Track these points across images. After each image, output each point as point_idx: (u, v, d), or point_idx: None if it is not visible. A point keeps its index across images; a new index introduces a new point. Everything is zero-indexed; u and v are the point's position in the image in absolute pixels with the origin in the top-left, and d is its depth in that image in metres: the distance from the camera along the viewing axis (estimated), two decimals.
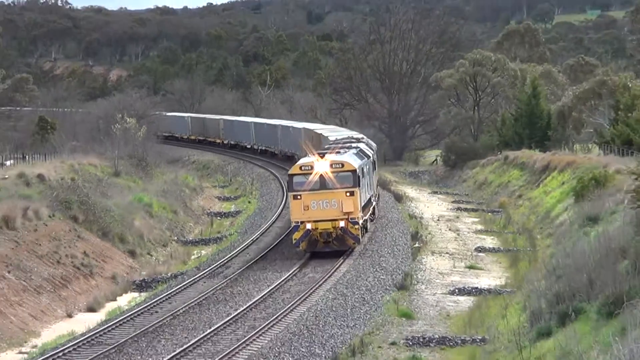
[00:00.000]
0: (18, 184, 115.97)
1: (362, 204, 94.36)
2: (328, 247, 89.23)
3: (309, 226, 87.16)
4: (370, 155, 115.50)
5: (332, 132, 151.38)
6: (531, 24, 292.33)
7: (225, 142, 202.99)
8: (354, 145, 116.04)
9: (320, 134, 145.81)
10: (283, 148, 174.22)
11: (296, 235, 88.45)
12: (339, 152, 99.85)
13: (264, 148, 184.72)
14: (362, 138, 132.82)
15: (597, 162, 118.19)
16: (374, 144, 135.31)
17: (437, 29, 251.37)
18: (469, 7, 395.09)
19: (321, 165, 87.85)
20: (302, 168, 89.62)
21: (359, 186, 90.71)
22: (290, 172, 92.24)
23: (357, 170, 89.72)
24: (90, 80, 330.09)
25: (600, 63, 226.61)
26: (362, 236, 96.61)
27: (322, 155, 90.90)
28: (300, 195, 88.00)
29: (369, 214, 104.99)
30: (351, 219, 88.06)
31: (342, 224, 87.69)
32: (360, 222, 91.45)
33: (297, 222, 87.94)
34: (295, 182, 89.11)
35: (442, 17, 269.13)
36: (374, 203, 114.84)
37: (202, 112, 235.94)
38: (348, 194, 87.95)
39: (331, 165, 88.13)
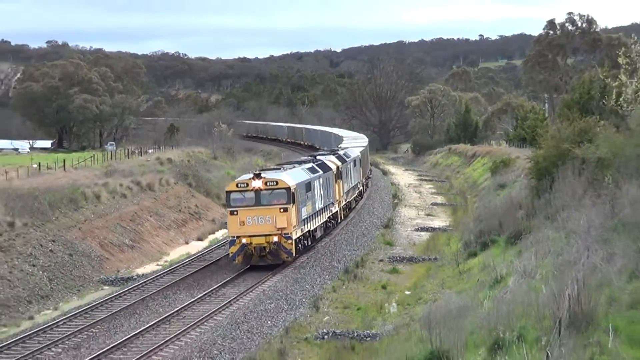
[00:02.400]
0: (156, 164, 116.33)
1: (303, 217, 66.94)
2: (263, 261, 62.81)
3: (244, 241, 61.74)
4: (334, 167, 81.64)
5: (354, 139, 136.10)
6: (465, 68, 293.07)
7: (305, 143, 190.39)
8: (319, 157, 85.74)
9: (344, 138, 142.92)
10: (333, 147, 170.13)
11: (232, 249, 62.67)
12: (278, 170, 71.18)
13: (326, 148, 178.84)
14: (344, 149, 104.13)
15: (505, 151, 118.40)
16: (353, 154, 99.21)
17: (407, 70, 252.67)
18: (428, 57, 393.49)
19: (256, 183, 62.41)
20: (239, 185, 63.63)
21: (294, 202, 63.38)
22: (227, 189, 65.84)
23: (292, 188, 63.04)
24: (198, 101, 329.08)
25: (506, 92, 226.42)
26: (304, 247, 68.68)
27: (257, 175, 64.01)
28: (236, 211, 62.25)
29: (320, 223, 73.96)
30: (285, 234, 61.95)
31: (275, 239, 61.72)
32: (295, 236, 63.88)
33: (234, 237, 62.56)
34: (233, 199, 63.15)
35: (411, 64, 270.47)
36: (336, 209, 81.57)
37: (265, 121, 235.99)
38: (282, 210, 62.10)
39: (265, 183, 62.43)
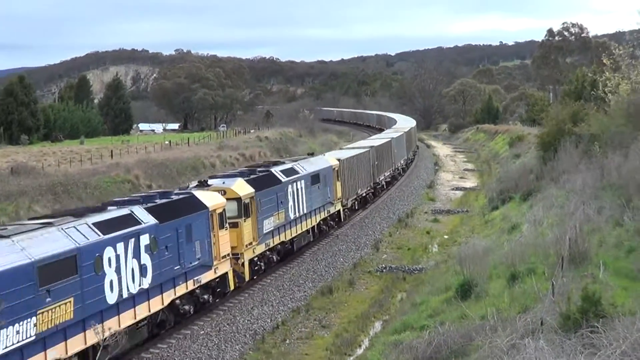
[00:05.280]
0: (256, 141, 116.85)
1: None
2: None
3: None
4: (214, 203, 35.44)
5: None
6: (489, 66, 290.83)
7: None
8: (212, 181, 39.76)
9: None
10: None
11: None
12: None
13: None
14: (298, 160, 52.03)
15: (519, 129, 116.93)
16: (314, 167, 51.11)
17: (445, 69, 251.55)
18: (461, 59, 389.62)
19: None
20: None
21: None
22: None
23: None
24: (288, 94, 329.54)
25: (520, 84, 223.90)
26: None
27: None
28: None
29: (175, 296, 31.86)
30: None
31: None
32: None
33: None
34: None
35: (447, 64, 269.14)
36: (209, 277, 34.89)
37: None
38: None
39: None
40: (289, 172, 46.74)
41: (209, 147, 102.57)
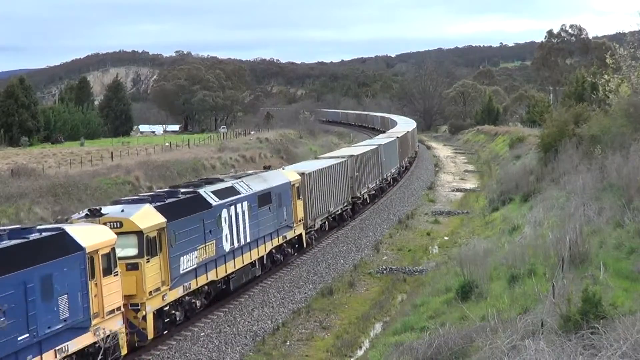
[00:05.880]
0: (256, 142, 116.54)
1: None
2: None
3: None
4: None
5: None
6: (489, 67, 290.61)
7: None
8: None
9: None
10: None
11: None
12: None
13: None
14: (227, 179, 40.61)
15: (520, 131, 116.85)
16: (250, 188, 40.15)
17: (445, 70, 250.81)
18: (461, 60, 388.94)
19: None
20: None
21: None
22: None
23: None
24: (288, 95, 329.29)
25: (520, 86, 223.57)
26: None
27: None
28: None
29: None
30: None
31: None
32: None
33: None
34: None
35: (447, 65, 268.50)
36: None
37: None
38: None
39: None
40: (224, 192, 37.66)
41: (209, 149, 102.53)
